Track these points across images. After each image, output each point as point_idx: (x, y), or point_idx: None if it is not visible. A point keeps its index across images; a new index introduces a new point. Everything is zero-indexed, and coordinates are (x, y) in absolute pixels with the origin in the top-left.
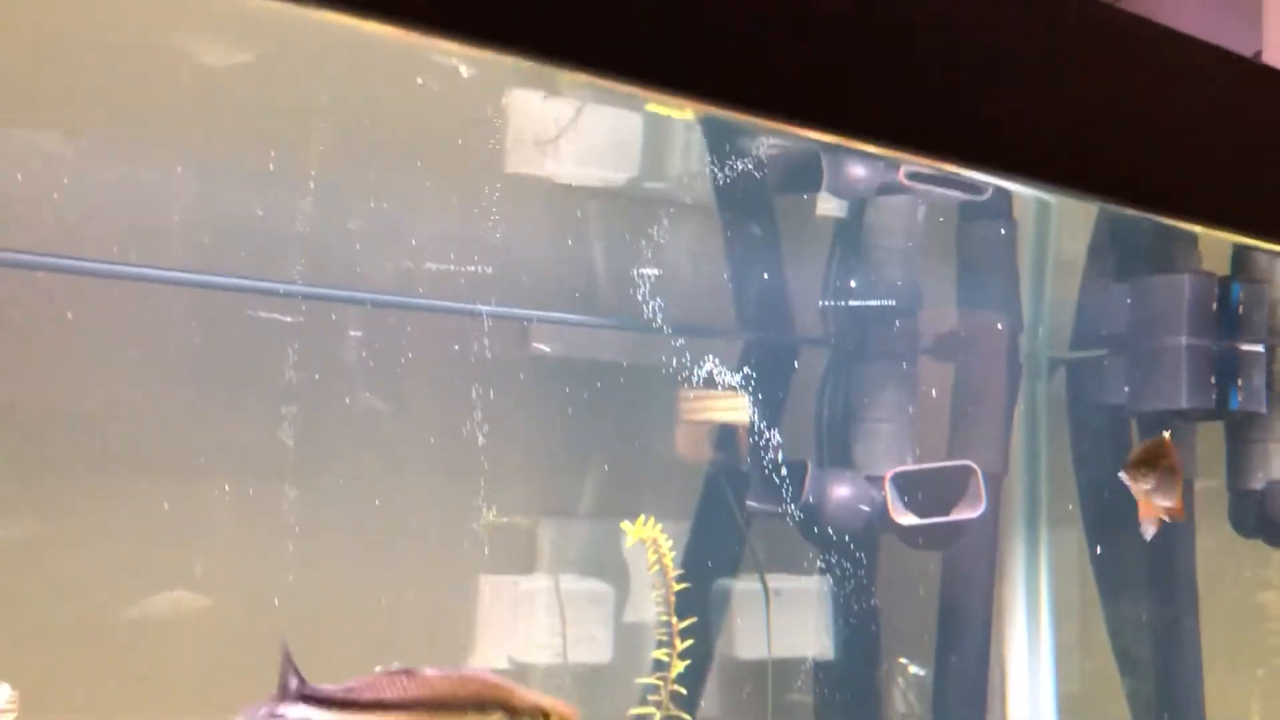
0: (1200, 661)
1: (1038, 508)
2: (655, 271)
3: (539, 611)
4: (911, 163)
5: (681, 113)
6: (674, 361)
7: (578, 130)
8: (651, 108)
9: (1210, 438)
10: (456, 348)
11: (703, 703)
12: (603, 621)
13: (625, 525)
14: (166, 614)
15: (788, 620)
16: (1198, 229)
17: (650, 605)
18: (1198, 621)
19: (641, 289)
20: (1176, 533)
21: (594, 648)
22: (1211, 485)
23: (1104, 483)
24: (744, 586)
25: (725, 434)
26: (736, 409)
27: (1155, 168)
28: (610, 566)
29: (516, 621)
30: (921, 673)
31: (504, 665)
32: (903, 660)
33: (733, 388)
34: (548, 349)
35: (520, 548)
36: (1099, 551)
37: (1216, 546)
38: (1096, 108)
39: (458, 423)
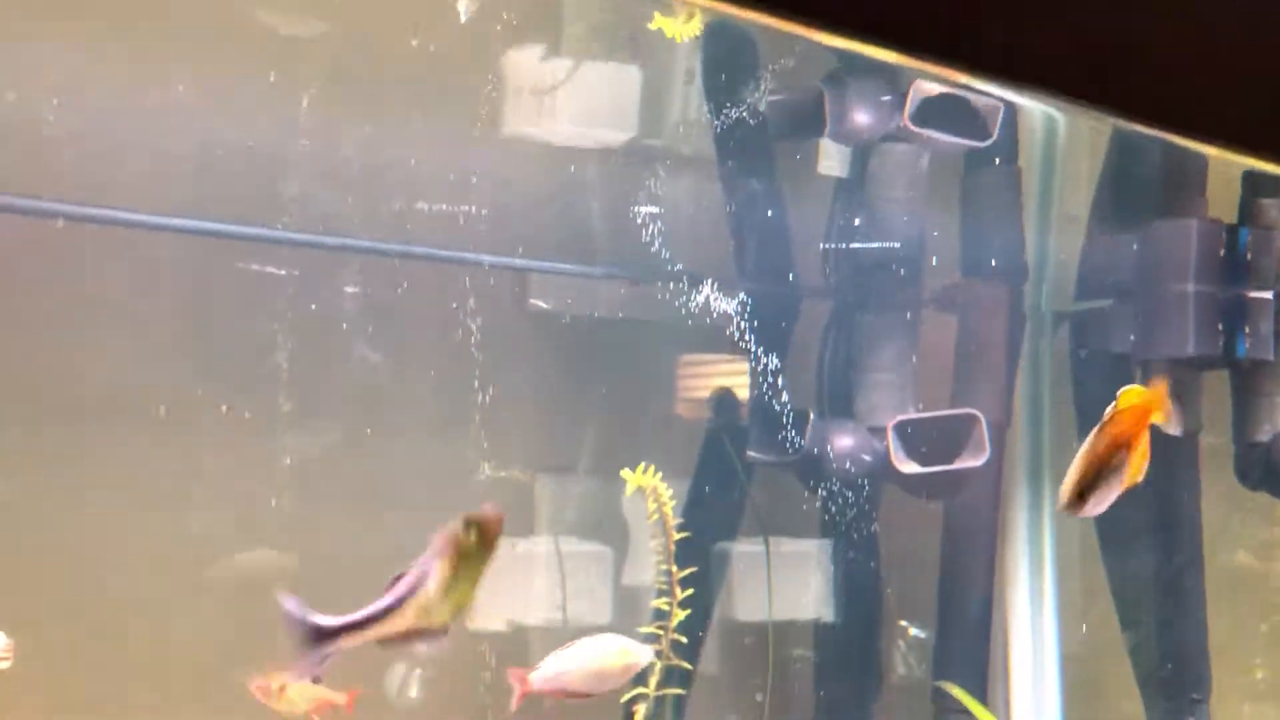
0: (1204, 616)
1: (1041, 460)
2: (654, 222)
3: (538, 572)
4: (928, 76)
5: (689, 27)
6: (673, 315)
7: (576, 82)
8: (657, 24)
9: (1217, 390)
10: (455, 305)
11: (703, 653)
12: (602, 582)
13: (625, 473)
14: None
15: (789, 572)
16: (1209, 168)
17: (649, 566)
18: (1202, 576)
19: (640, 240)
20: (1181, 487)
21: (593, 608)
22: (1216, 442)
23: None
24: (745, 539)
25: (725, 388)
26: (737, 362)
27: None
28: (609, 526)
29: (515, 582)
30: (922, 635)
31: (501, 627)
32: (903, 623)
33: (733, 340)
34: (545, 304)
35: (518, 506)
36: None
37: (1222, 500)
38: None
39: (455, 379)
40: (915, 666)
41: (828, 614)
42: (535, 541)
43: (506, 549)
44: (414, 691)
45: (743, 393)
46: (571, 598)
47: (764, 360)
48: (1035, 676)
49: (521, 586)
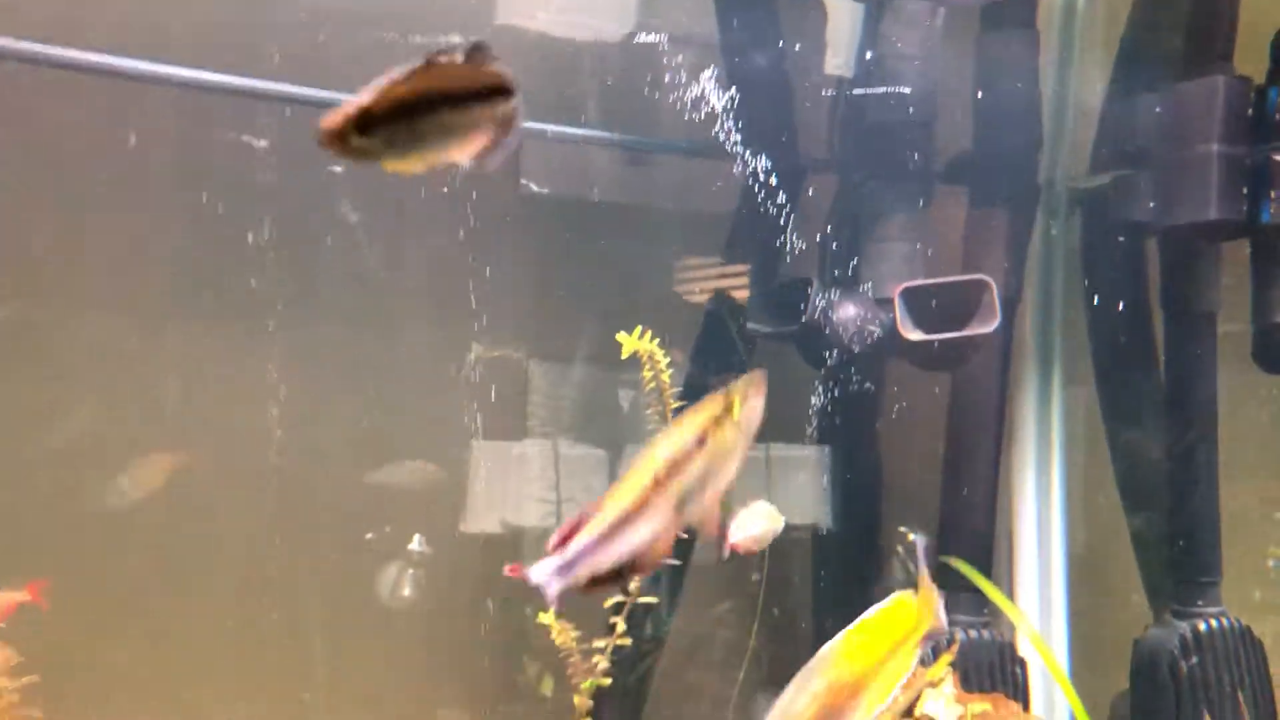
0: (1217, 500)
1: (1051, 336)
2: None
3: (533, 473)
4: None
5: None
6: (671, 192)
7: None
8: None
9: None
10: (445, 190)
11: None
12: (598, 481)
13: (622, 336)
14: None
15: (788, 468)
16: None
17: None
18: (1216, 460)
19: (638, 108)
20: (1195, 370)
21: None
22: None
23: (1117, 312)
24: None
25: (726, 261)
26: (738, 236)
27: None
28: (603, 416)
29: (510, 483)
30: (923, 540)
31: (497, 529)
32: (903, 529)
33: (734, 213)
34: (536, 186)
35: (513, 404)
36: (1107, 382)
37: (1240, 383)
38: None
39: (448, 267)
40: (914, 572)
41: (826, 500)
42: (528, 444)
43: (502, 450)
44: (406, 591)
45: (744, 268)
46: (566, 499)
47: (766, 230)
48: (1041, 566)
49: (515, 486)
